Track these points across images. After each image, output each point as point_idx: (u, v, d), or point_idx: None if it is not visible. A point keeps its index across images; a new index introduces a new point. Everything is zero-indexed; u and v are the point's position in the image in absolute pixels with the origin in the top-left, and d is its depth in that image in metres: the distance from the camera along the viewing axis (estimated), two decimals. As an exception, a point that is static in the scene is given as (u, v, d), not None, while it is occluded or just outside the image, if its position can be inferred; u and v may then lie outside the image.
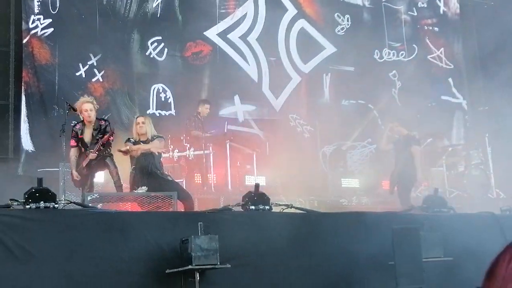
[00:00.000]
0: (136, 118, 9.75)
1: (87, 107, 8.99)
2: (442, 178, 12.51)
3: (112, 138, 9.03)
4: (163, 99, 12.63)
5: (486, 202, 11.59)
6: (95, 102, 9.20)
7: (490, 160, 12.71)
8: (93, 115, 9.01)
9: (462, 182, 12.54)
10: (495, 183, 12.52)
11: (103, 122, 9.13)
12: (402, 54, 15.12)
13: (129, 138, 9.39)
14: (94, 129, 9.01)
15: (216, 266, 6.74)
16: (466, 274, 7.52)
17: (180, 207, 8.70)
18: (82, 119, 9.10)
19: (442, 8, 15.99)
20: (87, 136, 9.01)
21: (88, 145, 8.96)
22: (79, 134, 8.97)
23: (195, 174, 11.54)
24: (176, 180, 10.97)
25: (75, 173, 8.88)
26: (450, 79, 15.67)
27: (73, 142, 8.98)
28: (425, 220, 8.38)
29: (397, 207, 10.14)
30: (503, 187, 12.67)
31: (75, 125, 9.13)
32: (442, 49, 15.72)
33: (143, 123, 9.40)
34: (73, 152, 8.99)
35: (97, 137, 8.94)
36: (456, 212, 9.24)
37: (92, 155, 8.82)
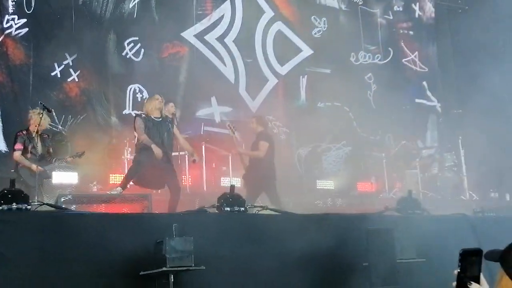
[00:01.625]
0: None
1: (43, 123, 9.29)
2: (416, 180, 12.63)
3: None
4: (139, 99, 12.57)
5: (459, 204, 11.72)
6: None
7: (463, 162, 12.85)
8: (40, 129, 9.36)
9: (435, 184, 12.68)
10: (468, 185, 12.67)
11: (46, 136, 9.55)
12: (377, 57, 15.25)
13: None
14: (41, 140, 9.39)
15: (191, 268, 6.71)
16: (439, 275, 7.59)
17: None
18: (27, 128, 9.39)
19: (417, 12, 16.17)
20: (37, 144, 9.31)
21: (35, 152, 9.23)
22: (25, 140, 9.25)
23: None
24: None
25: (33, 166, 9.00)
26: (424, 82, 15.84)
27: (19, 146, 9.26)
28: (399, 222, 8.46)
29: (372, 208, 10.20)
30: (475, 189, 12.83)
31: (21, 131, 9.42)
32: (416, 52, 15.89)
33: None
34: (18, 153, 9.25)
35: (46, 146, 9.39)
36: (429, 213, 9.33)
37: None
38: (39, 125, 9.19)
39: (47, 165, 9.32)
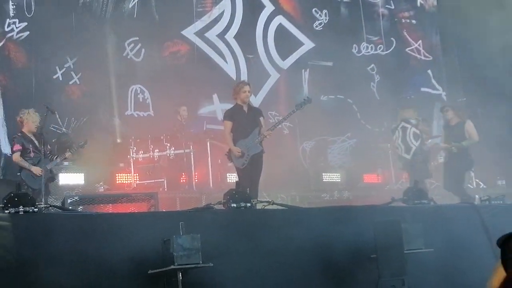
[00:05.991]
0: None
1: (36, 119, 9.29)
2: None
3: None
4: (141, 100, 12.58)
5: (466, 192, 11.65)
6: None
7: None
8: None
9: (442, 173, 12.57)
10: (475, 173, 12.60)
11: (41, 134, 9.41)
12: (380, 48, 15.19)
13: None
14: (37, 139, 9.29)
15: (199, 265, 6.72)
16: (446, 265, 7.60)
17: None
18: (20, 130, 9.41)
19: (419, 1, 16.09)
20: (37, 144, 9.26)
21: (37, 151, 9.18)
22: (23, 142, 9.24)
23: (176, 174, 11.51)
24: (157, 180, 10.99)
25: (36, 168, 8.99)
26: (429, 71, 15.76)
27: (17, 147, 9.24)
28: (406, 212, 8.45)
29: (379, 200, 10.18)
30: (482, 177, 12.77)
31: (16, 135, 9.49)
32: (420, 41, 15.82)
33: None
34: (16, 155, 9.22)
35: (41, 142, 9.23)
36: (436, 203, 9.31)
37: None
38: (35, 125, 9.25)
39: (48, 163, 9.21)
